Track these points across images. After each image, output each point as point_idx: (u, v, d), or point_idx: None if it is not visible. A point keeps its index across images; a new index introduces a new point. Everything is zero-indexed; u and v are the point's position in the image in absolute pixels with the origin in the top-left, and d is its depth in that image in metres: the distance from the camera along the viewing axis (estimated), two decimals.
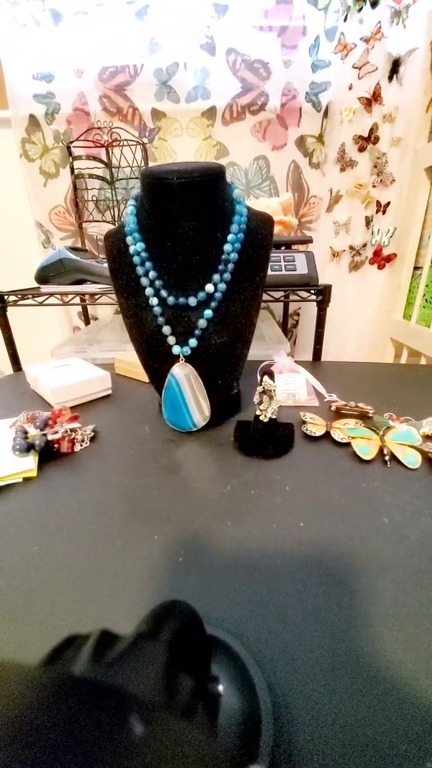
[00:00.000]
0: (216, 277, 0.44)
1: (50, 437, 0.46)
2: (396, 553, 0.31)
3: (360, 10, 0.88)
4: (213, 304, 0.45)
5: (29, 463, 0.44)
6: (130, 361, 0.71)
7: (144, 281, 0.45)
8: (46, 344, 0.84)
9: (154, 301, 0.45)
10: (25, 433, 0.46)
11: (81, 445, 0.48)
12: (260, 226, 0.46)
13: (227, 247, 0.43)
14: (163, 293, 0.44)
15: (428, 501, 0.37)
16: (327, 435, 0.49)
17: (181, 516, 0.36)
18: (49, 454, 0.46)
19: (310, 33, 0.94)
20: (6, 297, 0.77)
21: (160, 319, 0.45)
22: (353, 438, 0.46)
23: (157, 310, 0.45)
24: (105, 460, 0.46)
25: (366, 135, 0.96)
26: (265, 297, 0.71)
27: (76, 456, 0.47)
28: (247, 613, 0.26)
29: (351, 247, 1.06)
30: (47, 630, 0.26)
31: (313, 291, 0.76)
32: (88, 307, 1.19)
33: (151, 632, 0.15)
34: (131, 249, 0.44)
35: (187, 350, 0.46)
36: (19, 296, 0.77)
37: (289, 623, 0.26)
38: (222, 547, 0.32)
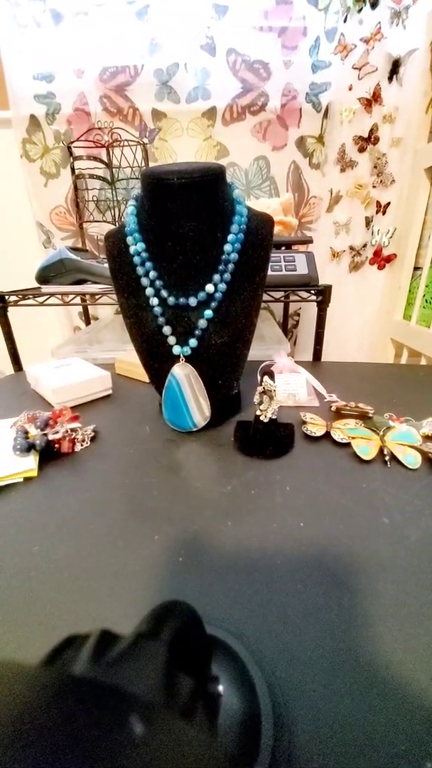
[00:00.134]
0: (216, 277, 0.44)
1: (51, 437, 0.46)
2: (396, 553, 0.31)
3: (360, 10, 0.88)
4: (213, 304, 0.45)
5: (30, 463, 0.44)
6: (130, 361, 0.71)
7: (144, 281, 0.45)
8: (46, 344, 0.84)
9: (154, 301, 0.45)
10: (26, 433, 0.46)
11: (81, 445, 0.48)
12: (260, 226, 0.46)
13: (227, 247, 0.43)
14: (164, 293, 0.44)
15: (428, 501, 0.37)
16: (327, 435, 0.49)
17: (182, 516, 0.36)
18: (49, 454, 0.46)
19: (311, 34, 0.94)
20: (7, 297, 0.77)
21: (161, 319, 0.45)
22: (353, 438, 0.46)
23: (157, 310, 0.45)
24: (105, 460, 0.46)
25: (366, 135, 0.96)
26: (265, 297, 0.71)
27: (76, 456, 0.47)
28: (247, 613, 0.26)
29: (351, 248, 1.06)
30: (47, 630, 0.26)
31: (313, 291, 0.76)
32: (89, 307, 1.19)
33: (151, 632, 0.15)
34: (132, 249, 0.45)
35: (187, 350, 0.46)
36: (20, 296, 0.78)
37: (289, 623, 0.26)
38: (222, 547, 0.32)
